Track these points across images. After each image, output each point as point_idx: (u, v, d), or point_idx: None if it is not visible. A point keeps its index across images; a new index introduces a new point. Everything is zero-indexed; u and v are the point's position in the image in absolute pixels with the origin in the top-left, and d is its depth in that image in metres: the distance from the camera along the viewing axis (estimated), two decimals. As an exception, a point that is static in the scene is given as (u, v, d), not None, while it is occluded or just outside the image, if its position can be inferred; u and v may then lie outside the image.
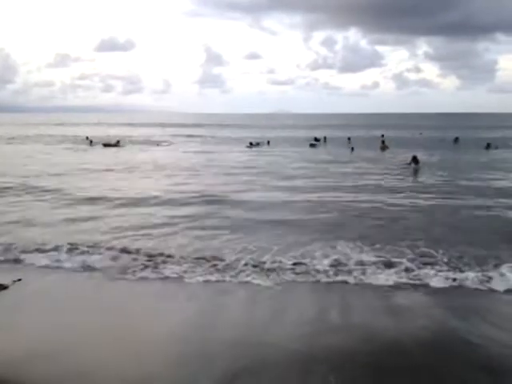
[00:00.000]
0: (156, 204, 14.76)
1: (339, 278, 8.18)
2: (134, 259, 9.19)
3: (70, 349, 6.12)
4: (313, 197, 15.72)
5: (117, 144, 42.15)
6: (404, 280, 8.05)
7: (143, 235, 10.83)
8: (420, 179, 20.86)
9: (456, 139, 46.31)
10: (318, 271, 8.39)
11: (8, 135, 56.14)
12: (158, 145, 43.39)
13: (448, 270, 8.35)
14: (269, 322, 6.72)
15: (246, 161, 28.03)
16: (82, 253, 9.60)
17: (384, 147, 37.69)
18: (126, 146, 41.13)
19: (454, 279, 7.99)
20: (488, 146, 39.09)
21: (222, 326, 6.59)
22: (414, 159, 29.55)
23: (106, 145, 41.60)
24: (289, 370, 5.52)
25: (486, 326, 6.68)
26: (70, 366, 5.72)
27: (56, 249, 9.80)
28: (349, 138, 46.88)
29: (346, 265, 8.67)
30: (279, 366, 5.58)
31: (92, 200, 15.23)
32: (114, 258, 9.28)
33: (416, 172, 23.96)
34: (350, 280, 8.09)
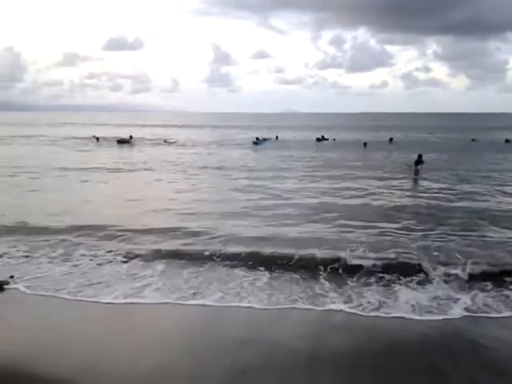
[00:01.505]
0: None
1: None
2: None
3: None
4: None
5: (130, 140, 43.84)
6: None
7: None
8: (418, 188, 18.51)
9: (473, 140, 46.08)
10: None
11: (16, 134, 56.12)
12: (165, 141, 44.55)
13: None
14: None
15: (244, 165, 26.19)
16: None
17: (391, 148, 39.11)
18: (133, 145, 41.76)
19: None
20: (507, 142, 40.60)
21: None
22: (419, 158, 29.05)
23: (119, 141, 43.12)
24: None
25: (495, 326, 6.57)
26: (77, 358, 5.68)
27: None
28: (359, 139, 46.68)
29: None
30: None
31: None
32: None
33: (417, 173, 22.72)
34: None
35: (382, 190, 17.51)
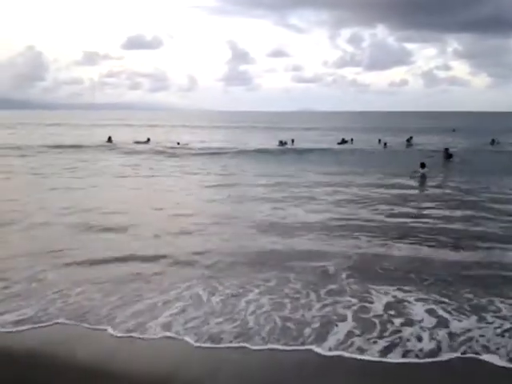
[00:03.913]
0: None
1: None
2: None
3: None
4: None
5: (147, 142, 43.84)
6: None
7: None
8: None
9: (492, 141, 44.12)
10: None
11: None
12: (178, 144, 43.25)
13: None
14: None
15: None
16: None
17: (409, 145, 43.08)
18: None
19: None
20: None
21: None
22: (446, 151, 27.89)
23: (137, 142, 43.58)
24: None
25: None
26: None
27: None
28: (379, 140, 45.98)
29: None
30: None
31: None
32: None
33: (423, 180, 20.90)
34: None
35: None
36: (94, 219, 13.13)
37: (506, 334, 6.66)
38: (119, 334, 6.59)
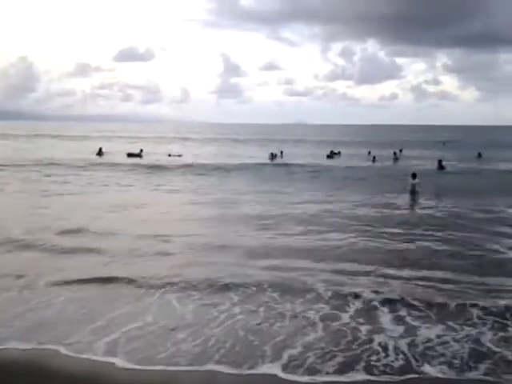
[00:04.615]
0: None
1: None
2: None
3: None
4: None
5: (140, 154, 43.34)
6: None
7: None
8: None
9: (479, 155, 45.00)
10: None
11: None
12: (169, 155, 43.53)
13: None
14: None
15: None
16: None
17: (396, 159, 42.74)
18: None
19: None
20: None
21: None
22: (439, 163, 28.78)
23: (129, 155, 42.73)
24: None
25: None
26: None
27: None
28: (369, 152, 46.97)
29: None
30: None
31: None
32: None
33: (413, 195, 19.97)
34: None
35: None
36: (74, 240, 12.66)
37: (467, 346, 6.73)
38: (71, 354, 6.36)
